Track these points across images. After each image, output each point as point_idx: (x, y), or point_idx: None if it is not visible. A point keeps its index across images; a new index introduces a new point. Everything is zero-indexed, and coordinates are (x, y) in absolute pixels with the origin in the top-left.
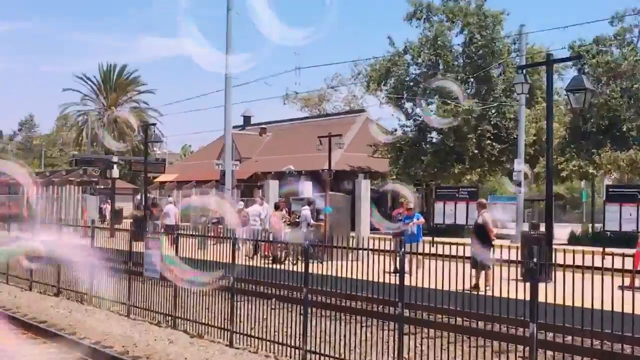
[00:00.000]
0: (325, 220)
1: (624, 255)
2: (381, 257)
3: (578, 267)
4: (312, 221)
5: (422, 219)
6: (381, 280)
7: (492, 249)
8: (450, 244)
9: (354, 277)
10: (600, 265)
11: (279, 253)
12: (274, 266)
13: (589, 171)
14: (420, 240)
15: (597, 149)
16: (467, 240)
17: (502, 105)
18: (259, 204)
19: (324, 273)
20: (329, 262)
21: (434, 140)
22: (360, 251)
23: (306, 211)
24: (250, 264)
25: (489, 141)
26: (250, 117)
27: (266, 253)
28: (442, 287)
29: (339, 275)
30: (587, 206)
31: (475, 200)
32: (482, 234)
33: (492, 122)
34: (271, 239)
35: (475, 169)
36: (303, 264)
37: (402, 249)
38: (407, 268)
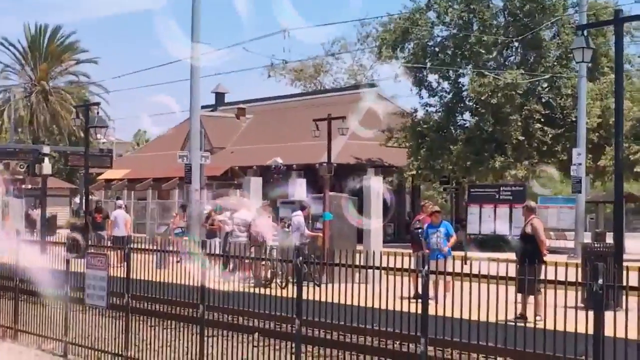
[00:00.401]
0: (324, 230)
1: None
2: (397, 278)
3: None
4: (306, 231)
5: (454, 236)
6: (397, 308)
7: (544, 266)
8: (489, 260)
9: (362, 304)
10: None
11: (264, 273)
12: (257, 291)
13: None
14: (449, 255)
15: None
16: (511, 255)
17: (557, 78)
18: (247, 208)
19: (323, 299)
20: (329, 285)
21: (467, 124)
22: (370, 270)
23: (298, 218)
24: (229, 287)
25: (539, 125)
26: (224, 95)
27: (247, 272)
28: (478, 317)
29: (342, 301)
30: None
31: (521, 203)
32: (531, 247)
33: (544, 100)
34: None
35: (521, 161)
36: (295, 288)
37: (426, 268)
38: (431, 292)
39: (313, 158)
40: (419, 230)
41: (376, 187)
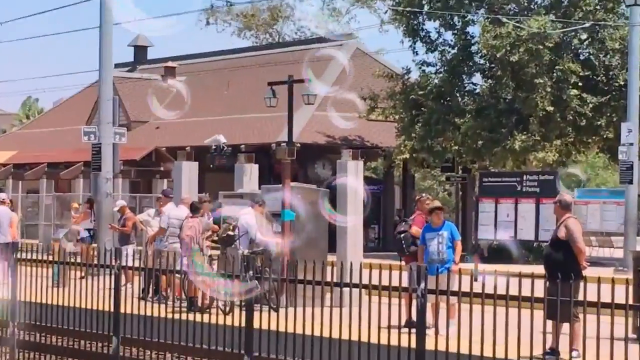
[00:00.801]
0: (285, 234)
1: None
2: (384, 300)
3: None
4: (258, 235)
5: (459, 243)
6: (384, 340)
7: (582, 284)
8: (508, 275)
9: (335, 335)
10: None
11: (199, 294)
12: (191, 318)
13: None
14: (450, 263)
15: None
16: (538, 268)
17: (600, 27)
18: (185, 203)
19: (282, 329)
20: (290, 310)
21: (478, 89)
22: (347, 289)
23: (247, 218)
24: (152, 313)
25: (575, 91)
26: (147, 49)
27: (176, 293)
28: (494, 353)
29: (308, 332)
30: None
31: (552, 198)
32: (565, 258)
33: (582, 58)
34: (185, 265)
35: (552, 140)
36: (244, 314)
37: (422, 285)
38: (429, 320)
39: (268, 136)
40: (404, 235)
41: (354, 175)
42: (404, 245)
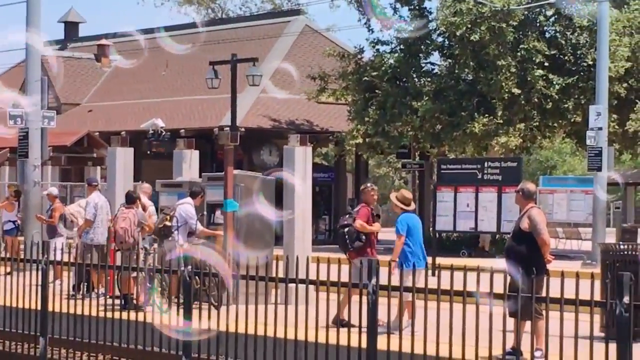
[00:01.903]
0: (227, 226)
1: None
2: (334, 296)
3: None
4: (198, 227)
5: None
6: (332, 340)
7: (546, 278)
8: (466, 269)
9: (281, 334)
10: None
11: (136, 289)
12: (126, 316)
13: None
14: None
15: None
16: (500, 262)
17: (567, 3)
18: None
19: (222, 328)
20: (232, 307)
21: (436, 70)
22: (295, 284)
23: (186, 208)
24: (80, 311)
25: (540, 72)
26: (79, 25)
27: (109, 290)
28: (450, 354)
29: (251, 331)
30: None
31: (514, 186)
32: (528, 251)
33: (548, 36)
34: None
35: (516, 124)
36: (182, 311)
37: (373, 281)
38: (381, 319)
39: (210, 120)
40: (347, 230)
41: (302, 162)
42: (347, 240)
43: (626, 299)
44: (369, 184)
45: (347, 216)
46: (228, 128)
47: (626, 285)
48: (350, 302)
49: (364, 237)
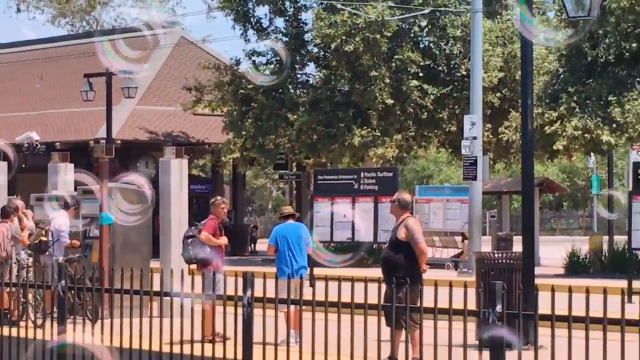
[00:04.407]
0: (102, 239)
1: None
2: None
3: (582, 320)
4: (66, 239)
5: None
6: (208, 353)
7: (421, 286)
8: (340, 279)
9: (156, 347)
10: (638, 319)
11: (10, 304)
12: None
13: (603, 138)
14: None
15: (617, 96)
16: (376, 271)
17: (440, 14)
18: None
19: (97, 342)
20: (107, 321)
21: (312, 81)
22: (173, 298)
23: (60, 220)
24: None
25: (415, 82)
26: None
27: None
28: None
29: (126, 345)
30: (602, 203)
31: (391, 196)
32: (405, 260)
33: (422, 46)
34: None
35: (392, 135)
36: (55, 326)
37: (248, 293)
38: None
39: (85, 132)
40: (191, 241)
41: (178, 174)
42: (191, 252)
43: (499, 308)
44: (219, 197)
45: (193, 227)
46: (104, 141)
47: (498, 293)
48: (214, 315)
49: (209, 249)
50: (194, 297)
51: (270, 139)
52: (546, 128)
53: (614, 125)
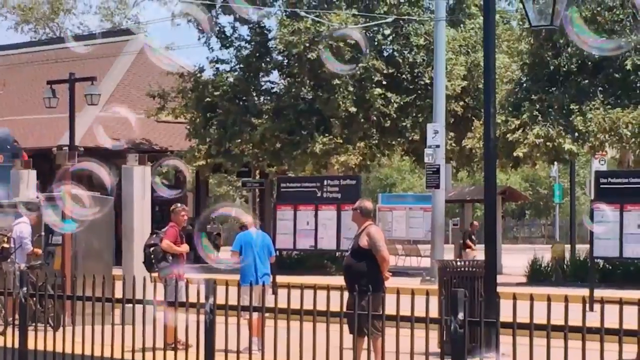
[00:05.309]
0: (64, 246)
1: None
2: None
3: (543, 328)
4: (29, 246)
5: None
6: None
7: (383, 294)
8: (303, 287)
9: (118, 355)
10: (599, 327)
11: None
12: None
13: (565, 146)
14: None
15: (579, 105)
16: (338, 279)
17: (404, 22)
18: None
19: (59, 349)
20: (69, 328)
21: (275, 88)
22: (135, 305)
23: (22, 227)
24: None
25: (378, 90)
26: None
27: None
28: None
29: (87, 352)
30: (564, 211)
31: (353, 203)
32: (367, 268)
33: (385, 54)
34: None
35: (355, 142)
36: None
37: (210, 301)
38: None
39: (48, 139)
40: (153, 249)
41: (141, 182)
42: (153, 261)
43: (460, 315)
44: (179, 205)
45: (154, 236)
46: (67, 147)
47: (460, 301)
48: (176, 323)
49: (170, 257)
50: (157, 304)
51: (236, 144)
52: (508, 136)
53: (576, 134)
